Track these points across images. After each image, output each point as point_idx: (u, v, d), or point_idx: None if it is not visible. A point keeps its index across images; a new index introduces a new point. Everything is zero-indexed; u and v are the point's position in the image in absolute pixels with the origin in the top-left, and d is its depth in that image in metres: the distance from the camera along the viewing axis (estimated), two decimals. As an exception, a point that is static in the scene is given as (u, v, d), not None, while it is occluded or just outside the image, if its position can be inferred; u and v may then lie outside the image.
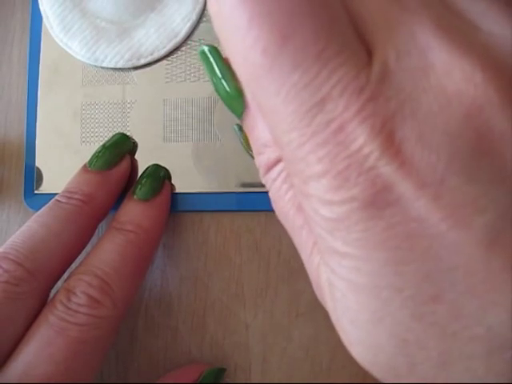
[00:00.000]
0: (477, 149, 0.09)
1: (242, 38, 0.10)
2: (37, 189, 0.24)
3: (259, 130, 0.13)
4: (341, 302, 0.11)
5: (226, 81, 0.13)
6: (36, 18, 0.25)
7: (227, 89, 0.13)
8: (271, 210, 0.23)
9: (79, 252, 0.20)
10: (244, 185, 0.23)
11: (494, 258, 0.09)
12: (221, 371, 0.22)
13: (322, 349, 0.22)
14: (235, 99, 0.12)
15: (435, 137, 0.09)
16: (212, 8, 0.10)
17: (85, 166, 0.22)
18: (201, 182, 0.23)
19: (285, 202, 0.13)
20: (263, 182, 0.14)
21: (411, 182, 0.09)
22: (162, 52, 0.24)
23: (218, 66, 0.13)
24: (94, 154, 0.22)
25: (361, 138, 0.09)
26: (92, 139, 0.24)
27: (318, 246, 0.11)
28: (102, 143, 0.23)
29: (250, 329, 0.23)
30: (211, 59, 0.13)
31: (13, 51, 0.26)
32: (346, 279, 0.10)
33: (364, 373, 0.23)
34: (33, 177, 0.24)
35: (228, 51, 0.10)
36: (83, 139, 0.24)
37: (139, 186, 0.21)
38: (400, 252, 0.09)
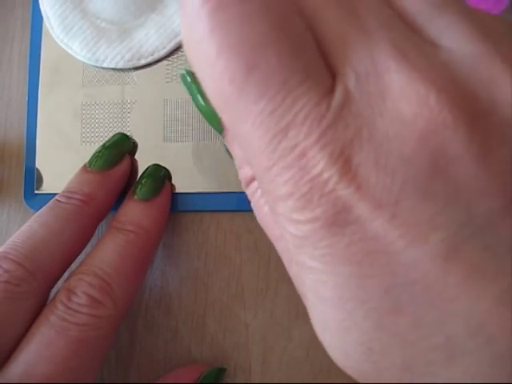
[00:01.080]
0: (431, 170, 0.09)
1: (211, 68, 0.10)
2: (37, 189, 0.24)
3: (237, 147, 0.13)
4: (312, 310, 0.11)
5: (204, 103, 0.13)
6: (36, 19, 0.25)
7: (206, 110, 0.13)
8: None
9: (79, 252, 0.20)
10: (244, 184, 0.23)
11: (450, 272, 0.09)
12: (221, 371, 0.22)
13: (321, 349, 0.22)
14: (214, 119, 0.13)
15: (390, 160, 0.09)
16: (183, 37, 0.11)
17: (85, 166, 0.22)
18: (201, 182, 0.23)
19: (263, 213, 0.13)
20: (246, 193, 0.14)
21: (368, 203, 0.09)
22: (163, 52, 0.24)
23: (197, 89, 0.13)
24: (94, 154, 0.22)
25: (321, 164, 0.09)
26: (92, 139, 0.24)
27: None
28: (102, 143, 0.23)
29: (249, 329, 0.23)
30: (190, 82, 0.14)
31: (13, 51, 0.26)
32: (315, 291, 0.11)
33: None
34: (33, 177, 0.24)
35: (200, 78, 0.11)
36: (83, 139, 0.24)
37: (139, 186, 0.21)
38: (362, 267, 0.10)
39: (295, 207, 0.10)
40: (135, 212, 0.21)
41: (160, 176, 0.22)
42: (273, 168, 0.10)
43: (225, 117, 0.11)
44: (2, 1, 0.26)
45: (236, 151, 0.13)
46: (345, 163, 0.09)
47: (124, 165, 0.22)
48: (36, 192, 0.24)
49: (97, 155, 0.22)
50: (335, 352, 0.11)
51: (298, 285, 0.12)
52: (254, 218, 0.24)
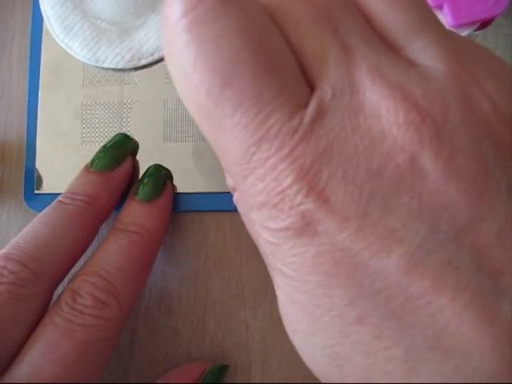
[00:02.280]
0: (397, 185, 0.10)
1: (188, 81, 0.10)
2: (37, 189, 0.24)
3: None
4: (284, 313, 0.12)
5: None
6: (37, 19, 0.25)
7: None
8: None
9: (82, 253, 0.20)
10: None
11: (411, 284, 0.09)
12: (223, 368, 0.22)
13: (321, 349, 0.22)
14: None
15: (358, 175, 0.10)
16: (163, 49, 0.11)
17: (87, 166, 0.22)
18: (201, 182, 0.23)
19: (247, 220, 0.14)
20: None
21: (335, 216, 0.10)
22: (163, 53, 0.24)
23: None
24: (96, 155, 0.22)
25: (290, 178, 0.10)
26: (92, 139, 0.24)
27: None
28: (102, 143, 0.23)
29: (250, 329, 0.23)
30: None
31: (13, 51, 0.26)
32: (287, 295, 0.11)
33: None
34: (33, 177, 0.24)
35: (178, 90, 0.11)
36: (84, 139, 0.24)
37: (141, 187, 0.21)
38: (328, 277, 0.10)
39: (268, 216, 0.10)
40: (138, 213, 0.21)
41: (161, 176, 0.22)
42: (248, 178, 0.10)
43: (203, 128, 0.11)
44: (2, 1, 0.26)
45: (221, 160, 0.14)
46: (313, 177, 0.10)
47: (126, 165, 0.22)
48: (36, 192, 0.24)
49: (99, 156, 0.22)
50: (304, 353, 0.12)
51: (275, 288, 0.13)
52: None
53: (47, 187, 0.24)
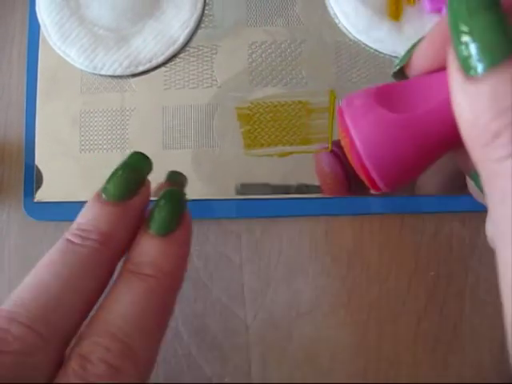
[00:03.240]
0: None
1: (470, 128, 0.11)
2: (36, 191, 0.24)
3: None
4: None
5: None
6: (33, 26, 0.25)
7: None
8: (270, 217, 0.24)
9: (96, 302, 0.17)
10: (243, 191, 0.23)
11: None
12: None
13: (322, 349, 0.22)
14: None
15: None
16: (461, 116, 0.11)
17: (98, 195, 0.18)
18: (200, 189, 0.23)
19: None
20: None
21: None
22: (161, 59, 0.24)
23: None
24: (109, 181, 0.18)
25: None
26: (91, 147, 0.24)
27: None
28: (101, 151, 0.22)
29: (249, 329, 0.23)
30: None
31: (13, 51, 0.26)
32: None
33: (364, 373, 0.23)
34: (32, 186, 0.24)
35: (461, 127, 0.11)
36: (82, 147, 0.24)
37: (155, 217, 0.18)
38: None
39: None
40: (153, 251, 0.17)
41: (178, 202, 0.18)
42: None
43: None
44: (2, 1, 0.26)
45: None
46: None
47: (145, 193, 0.18)
48: (35, 200, 0.24)
49: (112, 182, 0.18)
50: None
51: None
52: (253, 219, 0.24)
53: (46, 195, 0.24)
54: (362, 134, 0.13)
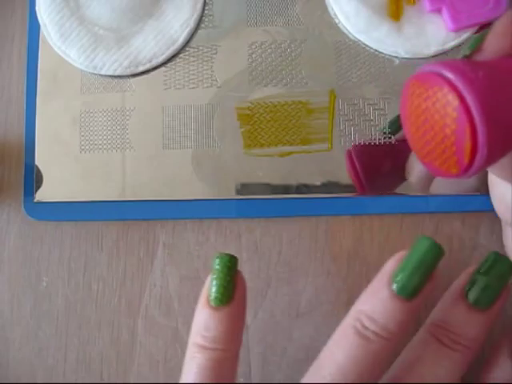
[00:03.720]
0: None
1: None
2: (36, 191, 0.24)
3: None
4: None
5: None
6: (34, 26, 0.25)
7: None
8: (270, 217, 0.24)
9: None
10: (243, 191, 0.23)
11: None
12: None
13: (321, 349, 0.22)
14: None
15: None
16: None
17: (393, 292, 0.16)
18: (200, 189, 0.23)
19: None
20: None
21: None
22: (161, 59, 0.24)
23: None
24: (406, 277, 0.16)
25: None
26: (91, 147, 0.24)
27: None
28: (101, 151, 0.22)
29: (250, 329, 0.23)
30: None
31: (13, 51, 0.26)
32: None
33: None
34: (32, 186, 0.24)
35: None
36: (82, 147, 0.24)
37: (481, 288, 0.17)
38: None
39: None
40: (472, 323, 0.17)
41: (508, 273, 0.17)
42: None
43: None
44: (2, 1, 0.26)
45: None
46: None
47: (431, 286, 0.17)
48: (35, 201, 0.24)
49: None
50: None
51: None
52: (254, 218, 0.24)
53: (46, 195, 0.24)
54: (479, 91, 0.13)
